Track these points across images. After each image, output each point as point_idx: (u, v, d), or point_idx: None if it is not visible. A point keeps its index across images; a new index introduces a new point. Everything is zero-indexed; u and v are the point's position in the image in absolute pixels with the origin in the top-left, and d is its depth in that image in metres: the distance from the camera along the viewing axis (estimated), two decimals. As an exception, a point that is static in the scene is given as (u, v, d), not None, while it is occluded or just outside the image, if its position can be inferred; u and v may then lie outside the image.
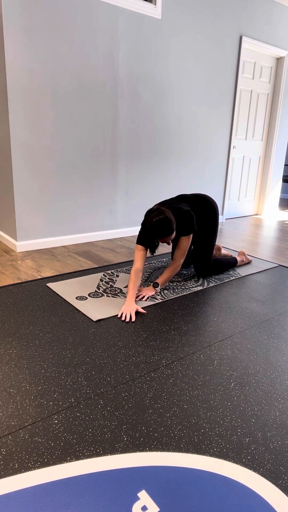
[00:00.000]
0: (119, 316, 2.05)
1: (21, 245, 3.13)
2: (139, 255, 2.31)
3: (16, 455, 1.14)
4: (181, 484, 1.06)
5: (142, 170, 3.74)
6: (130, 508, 0.98)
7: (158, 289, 2.37)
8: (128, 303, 2.12)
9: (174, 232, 2.26)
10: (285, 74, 4.80)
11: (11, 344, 1.74)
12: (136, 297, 2.26)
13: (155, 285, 2.35)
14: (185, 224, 2.35)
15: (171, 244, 2.72)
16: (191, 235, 2.39)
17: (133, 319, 2.02)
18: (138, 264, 2.29)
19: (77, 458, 1.13)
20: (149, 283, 2.53)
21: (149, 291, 2.32)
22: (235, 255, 3.26)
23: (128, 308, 2.08)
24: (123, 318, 2.03)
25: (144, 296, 2.28)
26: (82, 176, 3.33)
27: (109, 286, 2.45)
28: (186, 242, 2.38)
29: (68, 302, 2.19)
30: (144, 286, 2.47)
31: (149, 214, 2.30)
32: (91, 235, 3.54)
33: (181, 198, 2.58)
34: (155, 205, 2.41)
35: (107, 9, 3.09)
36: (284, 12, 4.55)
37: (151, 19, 3.38)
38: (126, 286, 2.46)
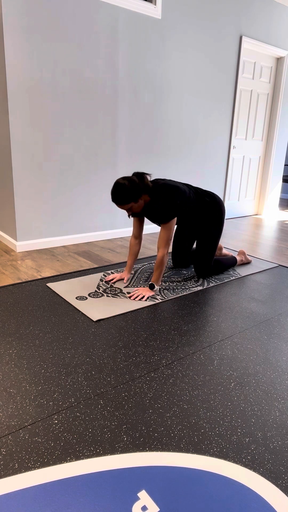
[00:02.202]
0: (130, 295, 2.29)
1: (21, 245, 3.13)
2: (134, 221, 2.48)
3: (16, 455, 1.14)
4: (181, 484, 1.06)
5: (142, 170, 3.74)
6: (130, 508, 0.98)
7: (156, 288, 2.35)
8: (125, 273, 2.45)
9: (129, 205, 2.14)
10: (285, 74, 4.80)
11: (11, 344, 1.74)
12: (136, 297, 2.27)
13: (152, 287, 2.33)
14: (162, 209, 2.20)
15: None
16: (171, 223, 2.21)
17: (144, 299, 2.27)
18: (134, 231, 2.49)
19: (77, 458, 1.13)
20: (149, 282, 2.53)
21: (147, 292, 2.31)
22: (235, 254, 3.26)
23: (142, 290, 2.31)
24: (133, 298, 2.27)
25: (144, 297, 2.28)
26: (82, 176, 3.33)
27: (109, 286, 2.45)
28: (164, 231, 2.23)
29: (68, 302, 2.19)
30: (143, 286, 2.47)
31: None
32: (91, 235, 3.54)
33: (193, 188, 2.53)
34: (158, 179, 2.37)
35: (107, 9, 3.09)
36: (284, 12, 4.55)
37: (151, 19, 3.38)
38: (126, 286, 2.46)
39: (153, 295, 2.32)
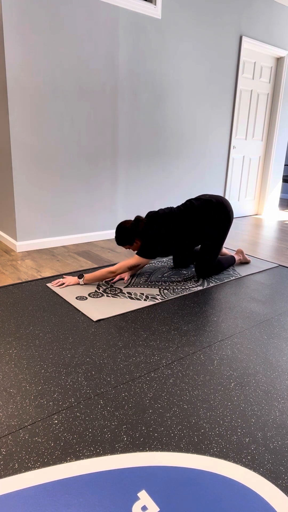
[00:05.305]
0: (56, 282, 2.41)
1: (21, 245, 3.13)
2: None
3: (16, 455, 1.14)
4: (181, 484, 1.06)
5: (142, 169, 3.74)
6: (130, 508, 0.98)
7: (81, 281, 2.42)
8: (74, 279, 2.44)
9: (126, 247, 2.51)
10: (285, 74, 4.80)
11: (11, 344, 1.74)
12: (60, 285, 2.41)
13: (80, 277, 2.42)
14: (141, 245, 2.44)
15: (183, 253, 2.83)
16: (140, 259, 2.43)
17: (63, 286, 2.39)
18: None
19: (77, 458, 1.13)
20: (149, 282, 2.53)
21: (72, 281, 2.42)
22: (233, 254, 3.25)
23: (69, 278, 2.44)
24: (57, 285, 2.39)
25: (63, 284, 2.40)
26: (82, 176, 3.33)
27: (109, 286, 2.45)
28: (132, 258, 2.43)
29: (68, 302, 2.19)
30: (144, 285, 2.47)
31: (148, 216, 2.51)
32: (91, 235, 3.54)
33: (192, 203, 2.55)
34: (159, 210, 2.54)
35: (107, 9, 3.09)
36: (284, 12, 4.55)
37: (151, 19, 3.38)
38: (126, 286, 2.46)
39: (152, 295, 2.32)
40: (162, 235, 2.45)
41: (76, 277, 2.44)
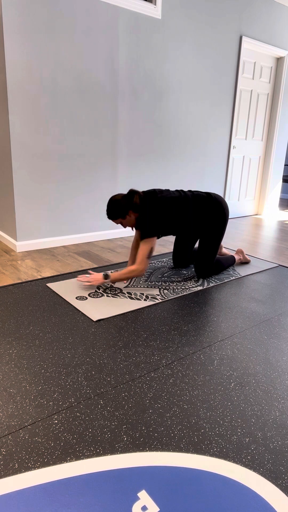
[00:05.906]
0: (80, 277, 2.36)
1: (21, 245, 3.13)
2: (135, 232, 2.61)
3: (16, 455, 1.14)
4: (181, 484, 1.06)
5: (142, 169, 3.74)
6: (130, 508, 0.98)
7: (108, 281, 2.33)
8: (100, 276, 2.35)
9: (118, 220, 2.36)
10: (285, 74, 4.80)
11: (11, 344, 1.74)
12: (84, 281, 2.34)
13: (105, 277, 2.33)
14: (141, 226, 2.33)
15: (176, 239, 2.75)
16: (150, 240, 2.31)
17: (88, 284, 2.34)
18: (136, 236, 2.60)
19: (77, 458, 1.13)
20: (149, 282, 2.53)
21: (97, 281, 2.33)
22: (233, 254, 3.25)
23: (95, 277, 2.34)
24: (83, 280, 2.33)
25: (89, 282, 2.33)
26: (82, 175, 3.33)
27: (109, 286, 2.45)
28: (143, 246, 2.32)
29: (68, 302, 2.19)
30: (145, 285, 2.47)
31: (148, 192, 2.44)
32: (91, 235, 3.54)
33: (192, 193, 2.55)
34: (156, 189, 2.47)
35: (107, 9, 3.09)
36: (284, 12, 4.55)
37: (151, 19, 3.38)
38: (126, 286, 2.46)
39: (152, 295, 2.32)
40: (158, 211, 2.36)
41: (102, 276, 2.34)
